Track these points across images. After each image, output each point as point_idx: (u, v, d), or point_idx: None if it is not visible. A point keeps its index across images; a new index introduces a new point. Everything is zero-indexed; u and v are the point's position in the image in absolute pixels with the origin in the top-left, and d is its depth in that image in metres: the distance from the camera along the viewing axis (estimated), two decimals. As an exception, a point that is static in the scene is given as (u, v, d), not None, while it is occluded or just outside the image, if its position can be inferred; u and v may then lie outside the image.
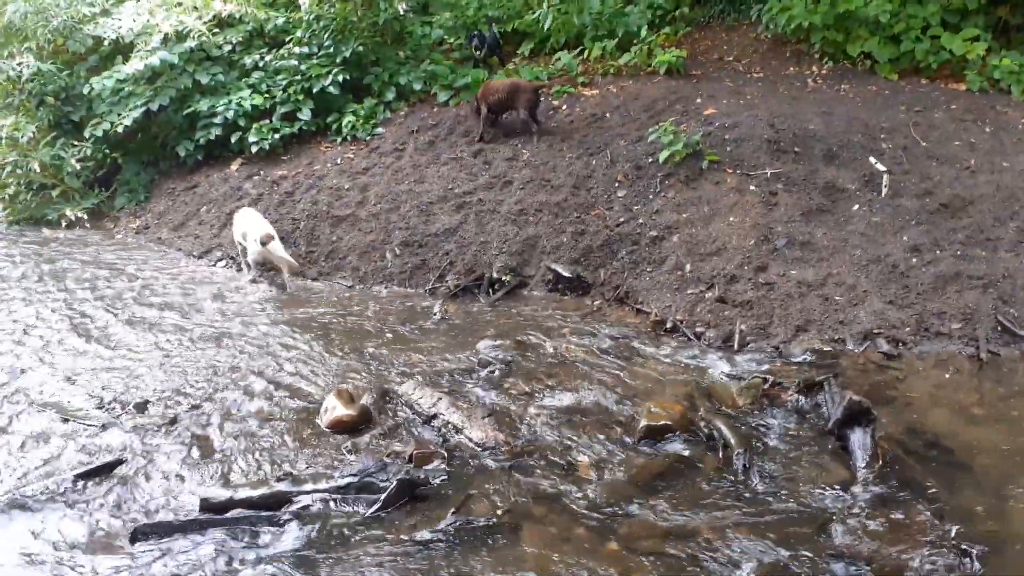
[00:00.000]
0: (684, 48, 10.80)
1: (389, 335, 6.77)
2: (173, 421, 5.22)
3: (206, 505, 4.24)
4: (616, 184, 8.24)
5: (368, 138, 10.36)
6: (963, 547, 3.77)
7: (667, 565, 3.77)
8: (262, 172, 10.34)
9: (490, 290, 7.63)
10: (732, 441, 4.69)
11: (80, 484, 4.51)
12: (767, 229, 7.15)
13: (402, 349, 6.40)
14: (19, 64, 11.50)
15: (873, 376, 5.59)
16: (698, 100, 9.28)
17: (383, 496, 4.21)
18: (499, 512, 4.16)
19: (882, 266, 6.61)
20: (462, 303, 7.51)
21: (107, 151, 11.62)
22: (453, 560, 3.82)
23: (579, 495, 4.32)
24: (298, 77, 10.93)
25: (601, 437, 4.88)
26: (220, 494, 4.32)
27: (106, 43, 11.44)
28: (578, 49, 11.23)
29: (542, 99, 9.65)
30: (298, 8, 11.63)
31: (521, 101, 9.17)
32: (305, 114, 10.70)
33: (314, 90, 10.76)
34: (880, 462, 4.47)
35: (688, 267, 7.11)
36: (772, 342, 6.18)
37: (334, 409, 5.13)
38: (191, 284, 8.45)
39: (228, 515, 4.17)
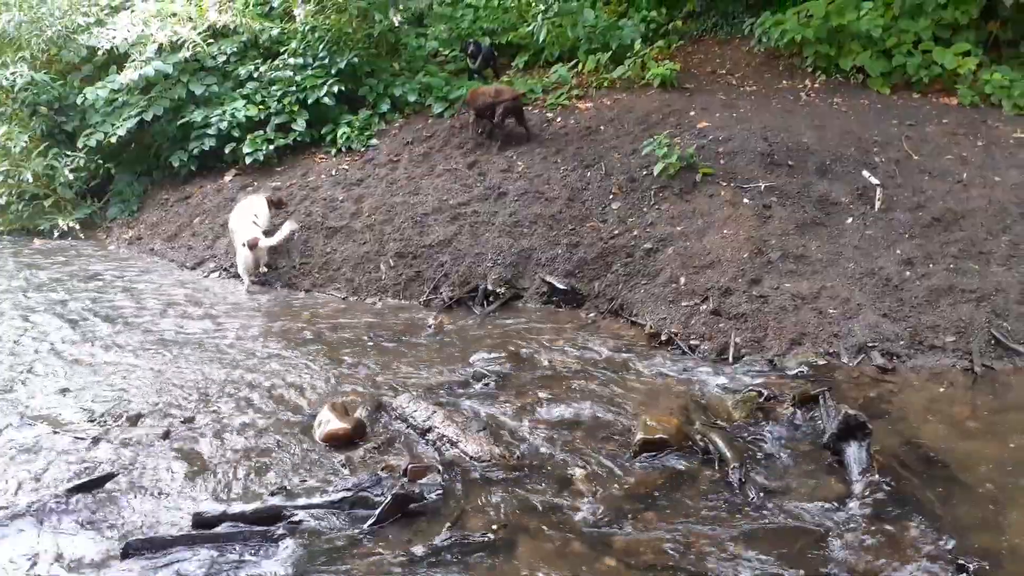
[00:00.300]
0: (677, 61, 10.87)
1: (383, 347, 6.75)
2: (166, 434, 5.18)
3: (199, 520, 4.19)
4: (610, 196, 8.26)
5: (363, 149, 10.36)
6: (960, 561, 3.76)
7: (664, 580, 3.75)
8: (256, 183, 10.34)
9: (484, 302, 7.62)
10: (728, 455, 4.68)
11: (71, 498, 4.46)
12: (761, 242, 7.17)
13: (396, 361, 6.38)
14: (12, 73, 11.49)
15: (867, 389, 5.60)
16: (692, 113, 9.32)
17: (378, 511, 4.17)
18: (495, 527, 4.13)
19: (876, 279, 6.63)
20: (456, 315, 7.50)
21: (100, 161, 11.61)
22: (449, 575, 3.79)
23: (575, 509, 4.30)
24: (293, 88, 10.93)
25: (597, 450, 4.86)
26: (213, 509, 4.27)
27: (100, 53, 11.43)
28: (572, 62, 11.27)
29: (527, 107, 9.75)
30: (293, 19, 11.66)
31: (500, 107, 9.26)
32: (300, 125, 10.70)
33: (309, 101, 10.77)
34: (876, 476, 4.46)
35: (682, 280, 7.11)
36: (767, 355, 6.18)
37: (328, 422, 5.10)
38: (184, 295, 8.42)
39: (221, 530, 4.13)
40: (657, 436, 4.83)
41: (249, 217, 8.64)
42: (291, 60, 11.25)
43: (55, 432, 5.25)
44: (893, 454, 4.72)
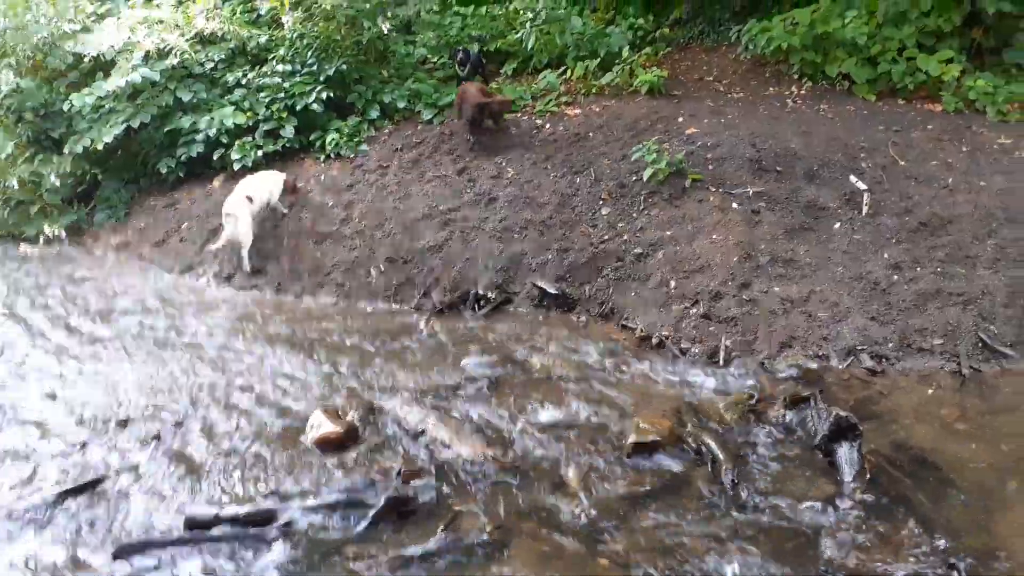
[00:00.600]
0: (665, 68, 10.91)
1: (375, 351, 6.73)
2: (156, 438, 5.16)
3: (191, 522, 4.17)
4: (600, 202, 8.29)
5: (352, 155, 10.33)
6: (950, 560, 3.80)
7: (658, 580, 3.76)
8: (245, 189, 10.28)
9: (476, 306, 7.62)
10: (720, 456, 4.70)
11: (62, 502, 4.43)
12: (750, 246, 7.21)
13: (388, 365, 6.37)
14: (-2, 80, 11.40)
15: (857, 391, 5.63)
16: (680, 120, 9.37)
17: (371, 513, 4.17)
18: (489, 528, 4.13)
19: (864, 283, 6.69)
20: (448, 319, 7.49)
21: (87, 168, 11.52)
22: (443, 577, 3.79)
23: (569, 511, 4.31)
24: (281, 95, 10.87)
25: (590, 452, 4.87)
26: (205, 511, 4.26)
27: (87, 60, 11.35)
28: (561, 69, 11.32)
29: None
30: (281, 26, 11.63)
31: (467, 107, 9.37)
32: (288, 131, 10.65)
33: (297, 108, 10.72)
34: (867, 476, 4.50)
35: (673, 284, 7.14)
36: (757, 358, 6.21)
37: (320, 426, 5.09)
38: (172, 300, 8.37)
39: (213, 532, 4.11)
40: (649, 438, 4.86)
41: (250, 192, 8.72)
42: (279, 67, 11.20)
43: (44, 436, 5.21)
44: (884, 455, 4.75)
